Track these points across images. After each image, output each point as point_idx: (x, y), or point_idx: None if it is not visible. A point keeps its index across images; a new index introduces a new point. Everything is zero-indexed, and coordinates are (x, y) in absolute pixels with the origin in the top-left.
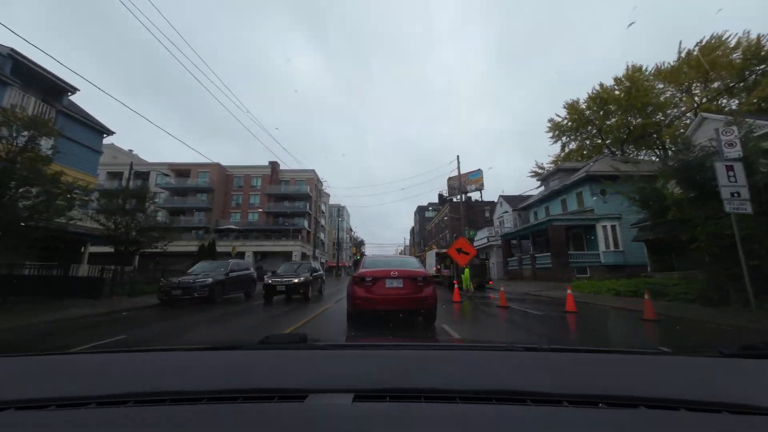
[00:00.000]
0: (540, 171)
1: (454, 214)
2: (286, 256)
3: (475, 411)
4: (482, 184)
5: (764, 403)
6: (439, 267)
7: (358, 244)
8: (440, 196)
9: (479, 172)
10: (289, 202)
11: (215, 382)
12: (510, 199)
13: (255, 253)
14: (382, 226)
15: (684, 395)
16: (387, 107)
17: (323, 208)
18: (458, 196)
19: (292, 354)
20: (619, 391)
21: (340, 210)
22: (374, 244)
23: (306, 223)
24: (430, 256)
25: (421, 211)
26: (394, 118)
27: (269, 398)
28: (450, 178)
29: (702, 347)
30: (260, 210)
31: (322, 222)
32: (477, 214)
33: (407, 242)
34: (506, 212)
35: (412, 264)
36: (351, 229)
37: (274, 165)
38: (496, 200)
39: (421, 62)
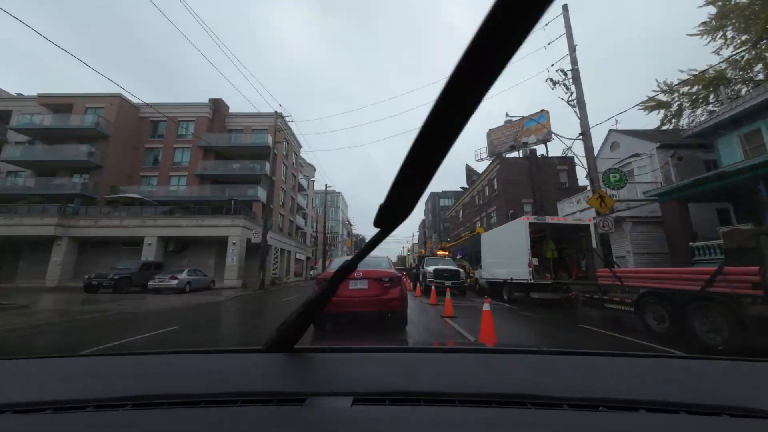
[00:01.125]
0: (664, 95)
1: (508, 178)
2: (220, 244)
3: (475, 414)
4: (549, 132)
5: (763, 406)
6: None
7: (359, 242)
8: (469, 170)
9: (544, 114)
10: (240, 163)
11: (214, 386)
12: (637, 135)
13: (166, 240)
14: None
15: (684, 398)
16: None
17: (303, 183)
18: (521, 149)
19: (291, 357)
20: (619, 395)
21: (334, 198)
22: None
23: (261, 194)
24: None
25: (433, 198)
26: (400, 104)
27: (268, 401)
28: (492, 131)
29: (702, 350)
30: (193, 173)
31: (303, 203)
32: (546, 176)
33: (415, 238)
34: (636, 158)
35: (381, 264)
36: (350, 223)
37: (216, 104)
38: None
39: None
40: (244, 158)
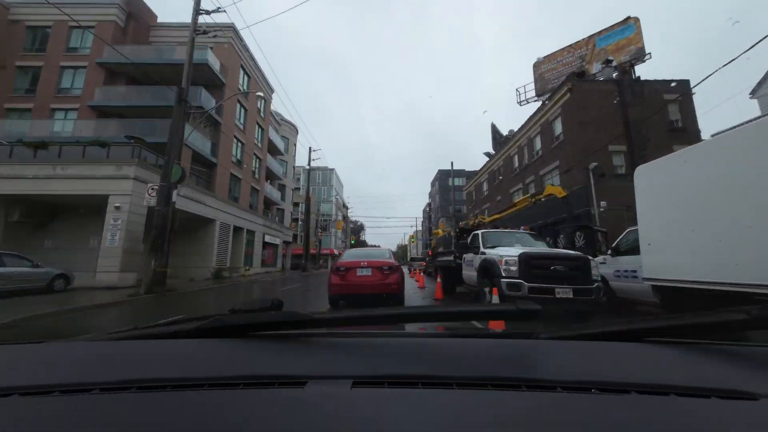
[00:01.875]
0: None
1: (582, 114)
2: (93, 208)
3: (471, 396)
4: (641, 50)
5: (752, 389)
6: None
7: (357, 230)
8: (494, 131)
9: (631, 25)
10: (163, 90)
11: (216, 369)
12: None
13: (8, 203)
14: (386, 209)
15: (675, 381)
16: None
17: (279, 143)
18: (603, 70)
19: (292, 342)
20: (611, 378)
21: (327, 176)
22: (375, 229)
23: (198, 139)
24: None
25: (442, 178)
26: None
27: (270, 384)
28: (542, 60)
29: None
30: (87, 104)
31: (279, 171)
32: (646, 111)
33: (419, 225)
34: None
35: (383, 255)
36: (345, 205)
37: (134, 6)
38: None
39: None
40: (172, 84)
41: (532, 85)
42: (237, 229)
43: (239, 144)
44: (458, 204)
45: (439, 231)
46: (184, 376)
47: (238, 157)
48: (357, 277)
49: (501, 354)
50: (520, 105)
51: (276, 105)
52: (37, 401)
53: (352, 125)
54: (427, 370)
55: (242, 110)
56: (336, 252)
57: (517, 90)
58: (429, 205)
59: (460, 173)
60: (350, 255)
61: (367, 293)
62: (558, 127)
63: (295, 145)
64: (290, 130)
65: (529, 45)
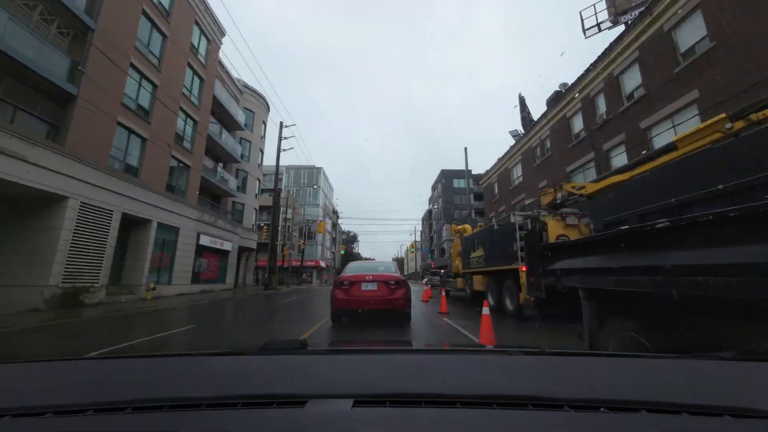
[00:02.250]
0: None
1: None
2: None
3: (476, 416)
4: None
5: (762, 407)
6: None
7: (350, 240)
8: (523, 105)
9: None
10: None
11: (214, 389)
12: None
13: None
14: (381, 220)
15: (685, 399)
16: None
17: (238, 114)
18: None
19: (291, 360)
20: (620, 396)
21: (313, 175)
22: (369, 237)
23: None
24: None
25: (446, 179)
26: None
27: (269, 404)
28: None
29: (702, 352)
30: None
31: (236, 150)
32: None
33: (418, 235)
34: None
35: (388, 269)
36: (335, 211)
37: None
38: None
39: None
40: None
41: (602, 9)
42: (138, 222)
43: (146, 82)
44: (463, 208)
45: (466, 227)
46: (182, 395)
47: (142, 103)
48: (362, 291)
49: (505, 370)
50: (585, 35)
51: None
52: (30, 423)
53: (344, 130)
54: (430, 388)
55: (153, 30)
56: (323, 264)
57: (580, 14)
58: (429, 211)
59: (462, 175)
60: (354, 268)
61: (372, 309)
62: (688, 33)
63: (264, 123)
64: (258, 103)
65: (530, 42)
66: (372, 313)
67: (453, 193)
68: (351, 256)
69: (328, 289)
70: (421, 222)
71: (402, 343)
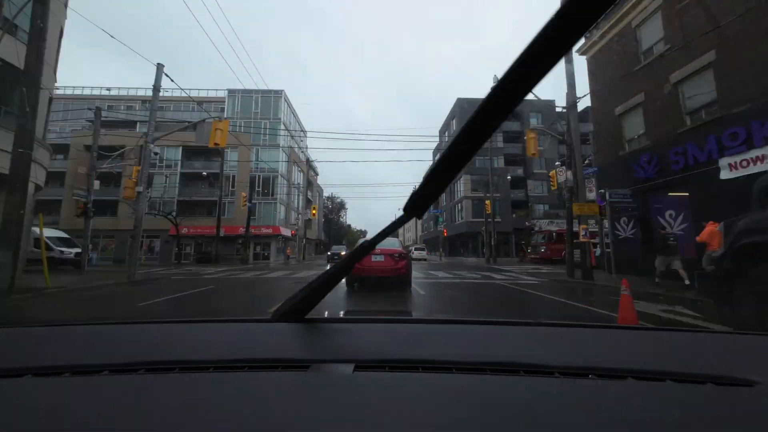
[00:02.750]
0: None
1: None
2: None
3: (470, 380)
4: None
5: (748, 376)
6: None
7: (336, 208)
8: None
9: None
10: None
11: (222, 353)
12: None
13: None
14: (372, 190)
15: (671, 368)
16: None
17: None
18: None
19: (295, 327)
20: (608, 364)
21: (267, 104)
22: (358, 202)
23: None
24: None
25: (463, 111)
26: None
27: (273, 367)
28: None
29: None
30: None
31: None
32: None
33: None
34: None
35: (393, 244)
36: (310, 164)
37: None
38: None
39: None
40: None
41: None
42: None
43: None
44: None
45: None
46: (192, 359)
47: None
48: (372, 262)
49: (499, 340)
50: None
51: None
52: (49, 381)
53: (332, 91)
54: (427, 355)
55: None
56: (285, 232)
57: None
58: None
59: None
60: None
61: (379, 275)
62: None
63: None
64: None
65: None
66: (378, 279)
67: None
68: (337, 226)
69: (286, 279)
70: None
71: (402, 313)
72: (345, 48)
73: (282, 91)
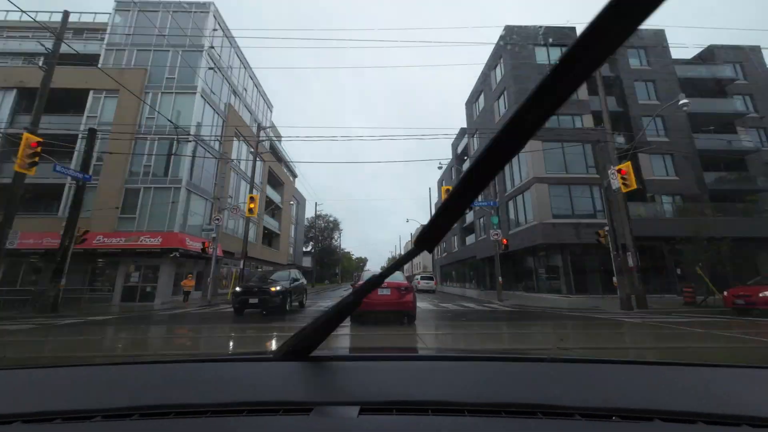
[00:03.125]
0: None
1: None
2: None
3: (484, 424)
4: None
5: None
6: None
7: (329, 228)
8: None
9: None
10: None
11: (220, 395)
12: None
13: None
14: (374, 219)
15: (701, 408)
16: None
17: None
18: None
19: (299, 366)
20: (633, 404)
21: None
22: (356, 229)
23: None
24: None
25: (516, 51)
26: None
27: (274, 411)
28: None
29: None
30: None
31: None
32: None
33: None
34: None
35: (397, 277)
36: (273, 139)
37: None
38: None
39: None
40: None
41: None
42: None
43: None
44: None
45: None
46: (188, 402)
47: None
48: (378, 296)
49: (514, 377)
50: None
51: None
52: (39, 429)
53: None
54: (438, 396)
55: None
56: (191, 245)
57: None
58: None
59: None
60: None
61: (385, 310)
62: None
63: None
64: None
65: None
66: (384, 314)
67: (538, 72)
68: (326, 252)
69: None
70: (453, 173)
71: (409, 350)
72: (346, 75)
73: (211, 3)
